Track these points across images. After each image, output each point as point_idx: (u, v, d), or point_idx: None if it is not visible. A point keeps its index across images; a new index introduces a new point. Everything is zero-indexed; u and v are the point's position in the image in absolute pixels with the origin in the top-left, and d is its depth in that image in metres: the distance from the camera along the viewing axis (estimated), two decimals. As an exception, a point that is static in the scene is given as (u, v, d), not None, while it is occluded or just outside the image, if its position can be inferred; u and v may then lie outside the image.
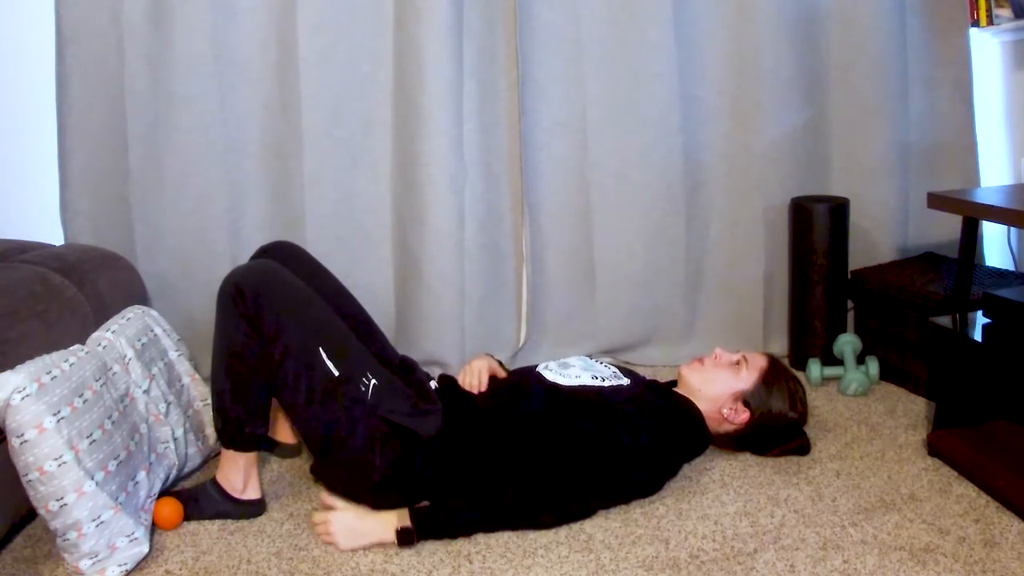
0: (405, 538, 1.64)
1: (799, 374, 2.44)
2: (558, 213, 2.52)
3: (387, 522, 1.66)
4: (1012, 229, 2.48)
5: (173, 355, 1.97)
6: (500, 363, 1.98)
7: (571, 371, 1.90)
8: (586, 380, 1.87)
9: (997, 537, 1.60)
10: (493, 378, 1.92)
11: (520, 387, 1.84)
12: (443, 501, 1.72)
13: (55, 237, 2.41)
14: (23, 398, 1.44)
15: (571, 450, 1.74)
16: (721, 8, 2.44)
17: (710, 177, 2.54)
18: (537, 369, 1.92)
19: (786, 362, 2.52)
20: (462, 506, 1.68)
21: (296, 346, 1.69)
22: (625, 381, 1.90)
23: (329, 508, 1.70)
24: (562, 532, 1.68)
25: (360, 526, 1.67)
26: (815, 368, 2.35)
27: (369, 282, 2.49)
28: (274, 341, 1.68)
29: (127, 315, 1.88)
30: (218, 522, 1.76)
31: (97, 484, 1.52)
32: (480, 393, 1.85)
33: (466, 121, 2.39)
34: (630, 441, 1.74)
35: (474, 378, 1.88)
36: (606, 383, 1.87)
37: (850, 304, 2.48)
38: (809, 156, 2.54)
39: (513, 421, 1.77)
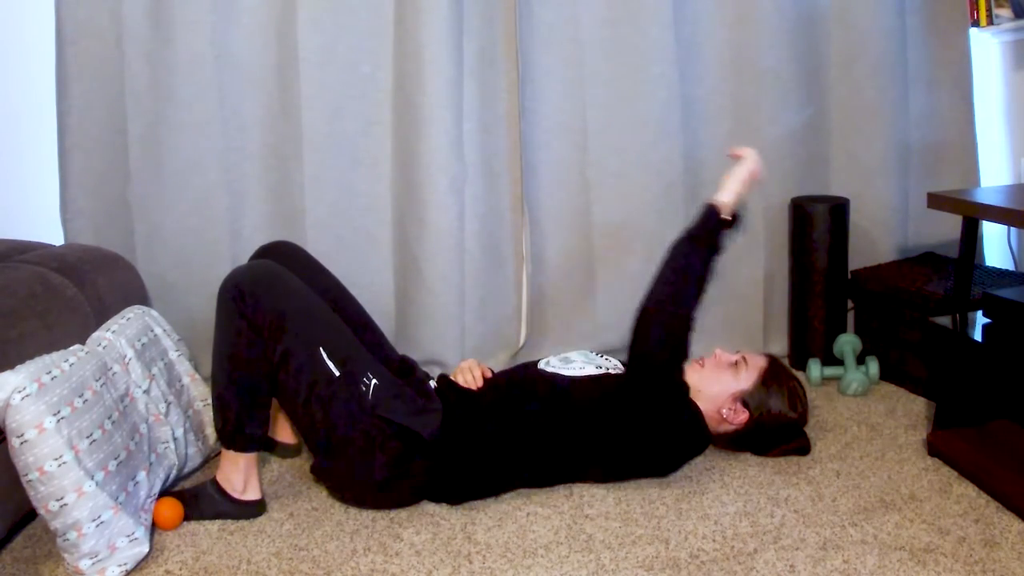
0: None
1: (799, 374, 2.44)
2: (558, 213, 2.51)
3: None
4: (1012, 229, 2.48)
5: (173, 355, 1.97)
6: (489, 369, 1.99)
7: (573, 365, 1.91)
8: (590, 371, 1.87)
9: (997, 537, 1.60)
10: (489, 376, 1.92)
11: (519, 382, 1.85)
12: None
13: (55, 237, 2.41)
14: (23, 398, 1.44)
15: (574, 435, 1.76)
16: (721, 8, 2.44)
17: (710, 177, 2.53)
18: (538, 365, 1.93)
19: (786, 362, 2.52)
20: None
21: (296, 346, 1.69)
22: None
23: None
24: (562, 532, 1.68)
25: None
26: (815, 368, 2.35)
27: (369, 282, 2.49)
28: (274, 341, 1.68)
29: (127, 315, 1.88)
30: (218, 522, 1.76)
31: (97, 484, 1.52)
32: (478, 390, 1.85)
33: (466, 121, 2.39)
34: (633, 419, 1.76)
35: (468, 375, 1.88)
36: (611, 373, 1.88)
37: (850, 304, 2.48)
38: (809, 156, 2.54)
39: (513, 416, 1.77)
